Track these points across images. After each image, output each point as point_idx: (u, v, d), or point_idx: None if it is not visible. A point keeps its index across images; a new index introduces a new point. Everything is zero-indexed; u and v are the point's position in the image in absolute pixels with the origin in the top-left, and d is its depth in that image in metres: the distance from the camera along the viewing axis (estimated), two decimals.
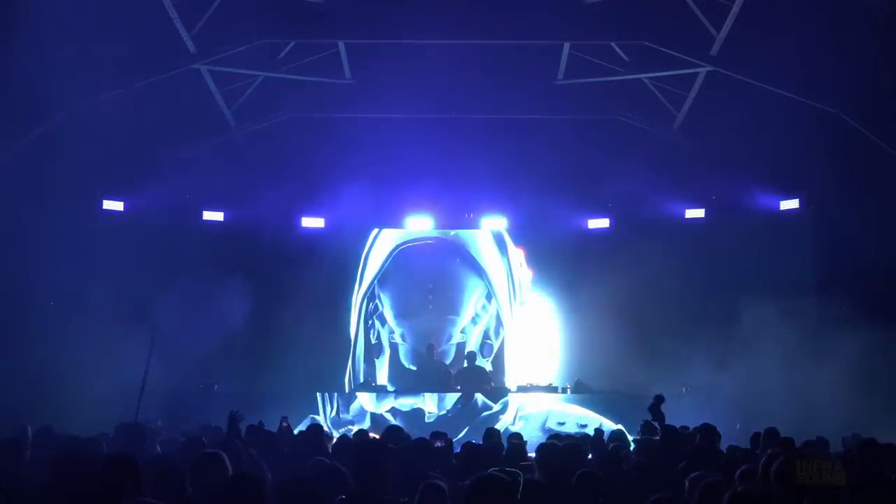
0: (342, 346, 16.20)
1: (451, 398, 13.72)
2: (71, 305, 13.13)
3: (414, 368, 15.45)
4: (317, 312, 15.95)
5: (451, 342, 15.59)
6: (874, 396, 12.26)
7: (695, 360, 14.49)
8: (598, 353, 15.24)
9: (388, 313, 16.00)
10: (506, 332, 15.95)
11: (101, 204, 14.89)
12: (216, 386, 14.15)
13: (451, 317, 15.88)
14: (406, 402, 13.74)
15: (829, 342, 13.18)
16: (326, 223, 16.22)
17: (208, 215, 15.87)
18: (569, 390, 14.17)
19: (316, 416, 13.86)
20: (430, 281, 15.95)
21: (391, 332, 15.95)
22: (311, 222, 16.20)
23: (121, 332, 12.91)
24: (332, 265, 16.25)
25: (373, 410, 13.78)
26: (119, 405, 10.27)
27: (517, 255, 16.20)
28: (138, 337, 13.24)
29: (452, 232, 16.27)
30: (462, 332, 15.77)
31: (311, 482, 4.70)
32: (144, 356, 9.93)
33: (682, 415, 10.13)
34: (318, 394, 14.17)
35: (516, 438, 8.87)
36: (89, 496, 4.77)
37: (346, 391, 15.10)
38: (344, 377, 15.99)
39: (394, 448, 6.02)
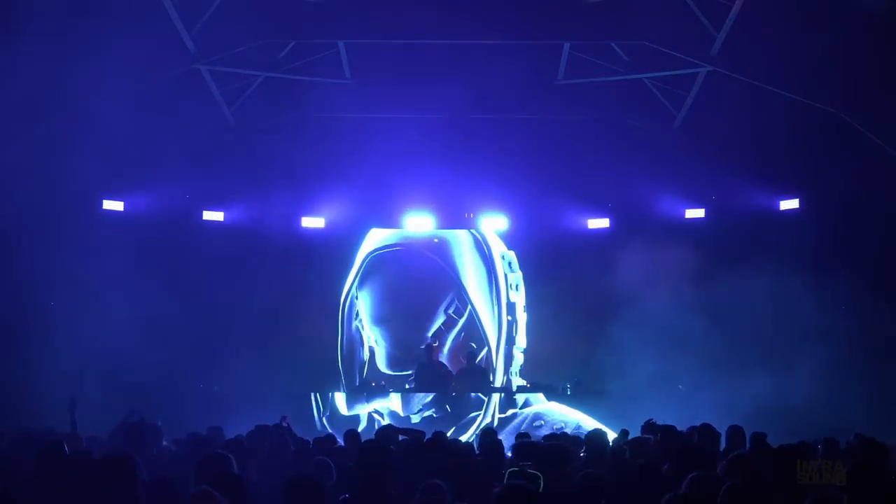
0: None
1: (419, 401, 13.79)
2: (71, 306, 13.13)
3: (390, 373, 15.61)
4: (315, 312, 15.98)
5: (423, 346, 15.56)
6: (875, 396, 12.26)
7: (694, 360, 14.50)
8: (598, 354, 15.25)
9: (365, 318, 16.11)
10: (488, 334, 15.93)
11: (101, 204, 14.88)
12: (216, 386, 14.16)
13: (423, 322, 15.94)
14: (383, 405, 13.81)
15: (830, 342, 13.19)
16: (326, 223, 16.22)
17: (208, 215, 15.87)
18: (568, 390, 14.18)
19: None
20: (401, 287, 16.00)
21: (368, 336, 16.05)
22: (311, 222, 16.19)
23: (120, 333, 12.93)
24: (332, 265, 16.28)
25: (345, 413, 13.84)
26: (118, 405, 10.22)
27: (506, 256, 16.18)
28: (138, 337, 13.29)
29: (436, 239, 16.20)
30: (434, 336, 15.77)
31: (316, 481, 4.71)
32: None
33: (677, 415, 10.13)
34: (312, 394, 14.18)
35: (521, 437, 8.86)
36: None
37: (341, 391, 15.13)
38: (340, 378, 16.04)
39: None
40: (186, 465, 6.55)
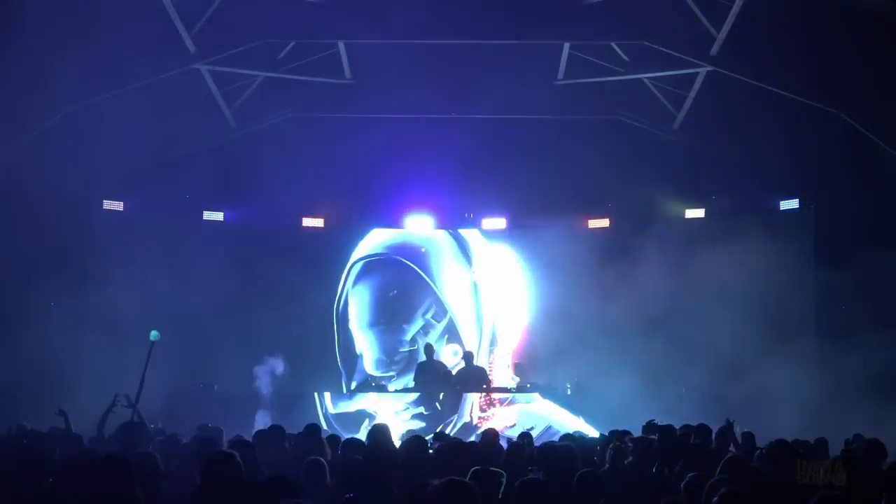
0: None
1: (411, 399, 13.91)
2: (71, 306, 13.13)
3: (376, 374, 15.89)
4: (316, 312, 16.00)
5: (403, 350, 15.84)
6: (875, 398, 12.24)
7: (693, 360, 14.50)
8: (598, 354, 15.26)
9: (353, 322, 16.38)
10: (468, 337, 16.14)
11: (102, 204, 14.87)
12: (216, 386, 14.16)
13: (404, 326, 16.22)
14: (375, 403, 13.98)
15: (829, 343, 13.18)
16: (326, 223, 16.24)
17: (208, 215, 15.87)
18: (569, 390, 14.18)
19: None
20: (383, 294, 16.34)
21: (356, 339, 16.33)
22: (311, 222, 16.20)
23: (120, 333, 12.93)
24: (331, 265, 16.32)
25: (332, 411, 13.94)
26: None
27: (493, 258, 16.31)
28: (137, 338, 13.28)
29: (423, 249, 16.38)
30: (412, 341, 16.01)
31: (292, 480, 4.70)
32: (141, 365, 9.70)
33: (677, 417, 10.12)
34: (315, 394, 14.22)
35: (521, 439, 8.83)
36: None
37: (345, 391, 15.20)
38: (341, 378, 16.12)
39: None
40: (185, 464, 6.57)
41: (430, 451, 6.68)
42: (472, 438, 11.15)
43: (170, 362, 13.73)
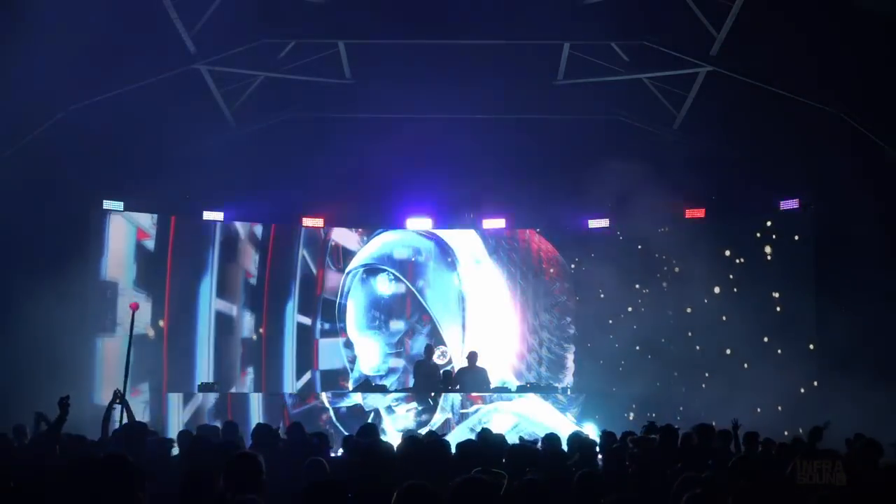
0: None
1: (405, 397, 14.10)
2: (71, 306, 13.13)
3: (370, 374, 16.10)
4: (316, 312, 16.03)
5: (390, 353, 16.15)
6: (876, 398, 12.24)
7: (692, 361, 14.51)
8: (595, 355, 15.28)
9: (349, 325, 16.61)
10: (450, 341, 16.34)
11: (102, 204, 14.87)
12: (216, 385, 14.17)
13: (391, 330, 16.51)
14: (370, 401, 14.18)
15: (829, 343, 13.18)
16: (326, 223, 16.26)
17: (208, 215, 15.87)
18: (568, 391, 14.20)
19: None
20: (371, 300, 16.59)
21: (351, 341, 16.56)
22: (311, 222, 16.21)
23: (120, 333, 12.94)
24: (331, 265, 16.35)
25: (330, 409, 14.10)
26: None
27: (483, 262, 16.45)
28: (138, 337, 13.29)
29: (413, 258, 16.61)
30: (398, 343, 16.29)
31: (340, 484, 4.67)
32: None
33: (671, 416, 10.14)
34: (322, 393, 14.27)
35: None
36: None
37: (350, 389, 15.28)
38: (346, 376, 16.23)
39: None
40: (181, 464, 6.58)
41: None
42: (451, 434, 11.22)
43: (169, 362, 13.79)
